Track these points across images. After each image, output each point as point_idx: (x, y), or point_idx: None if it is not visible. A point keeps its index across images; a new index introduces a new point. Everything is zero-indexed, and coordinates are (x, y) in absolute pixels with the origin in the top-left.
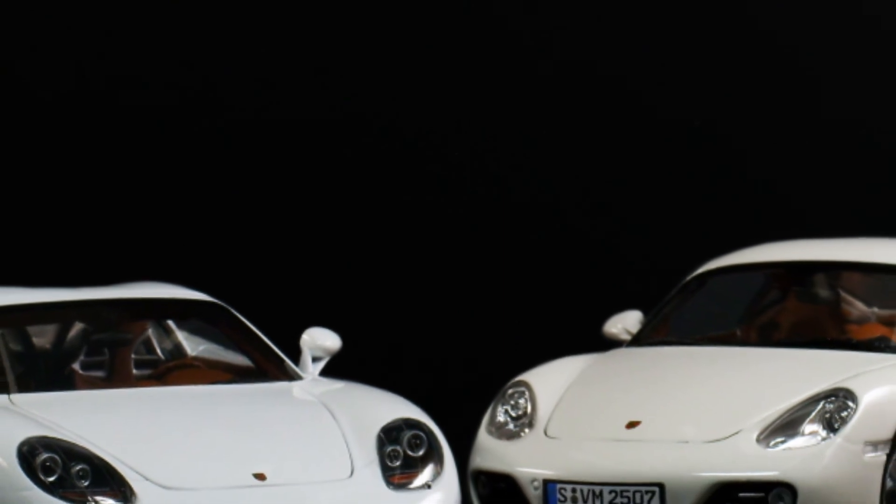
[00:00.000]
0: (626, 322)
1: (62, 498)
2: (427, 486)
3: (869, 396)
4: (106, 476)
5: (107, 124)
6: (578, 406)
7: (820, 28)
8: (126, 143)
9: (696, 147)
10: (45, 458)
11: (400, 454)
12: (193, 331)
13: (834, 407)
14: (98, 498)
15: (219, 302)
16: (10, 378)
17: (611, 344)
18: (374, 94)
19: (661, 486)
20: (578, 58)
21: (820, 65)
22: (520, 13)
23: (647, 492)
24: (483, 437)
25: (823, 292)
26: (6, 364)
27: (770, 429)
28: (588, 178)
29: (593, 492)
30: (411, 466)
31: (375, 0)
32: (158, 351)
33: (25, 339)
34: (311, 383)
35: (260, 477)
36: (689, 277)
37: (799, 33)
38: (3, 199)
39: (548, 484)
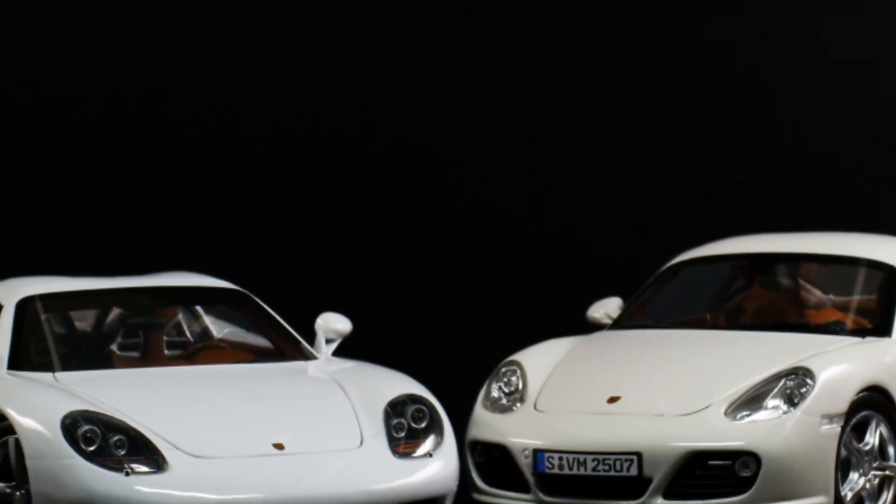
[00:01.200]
0: (607, 308)
1: (101, 465)
2: (429, 454)
3: (825, 374)
4: (141, 446)
5: (142, 133)
6: (564, 383)
7: (776, 49)
8: (162, 151)
9: (669, 154)
10: (85, 430)
11: (404, 426)
12: (219, 315)
13: (794, 384)
14: (133, 465)
15: (242, 289)
16: (55, 358)
17: (594, 327)
18: (385, 99)
19: (638, 454)
20: (566, 74)
21: (775, 83)
22: (514, 31)
23: (626, 460)
24: (479, 410)
25: (784, 281)
26: (51, 345)
27: (736, 403)
28: (576, 183)
29: (578, 460)
30: (415, 437)
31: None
32: (188, 333)
33: (68, 323)
34: (324, 363)
35: (279, 447)
36: (663, 268)
37: (758, 55)
38: (49, 198)
39: (537, 452)
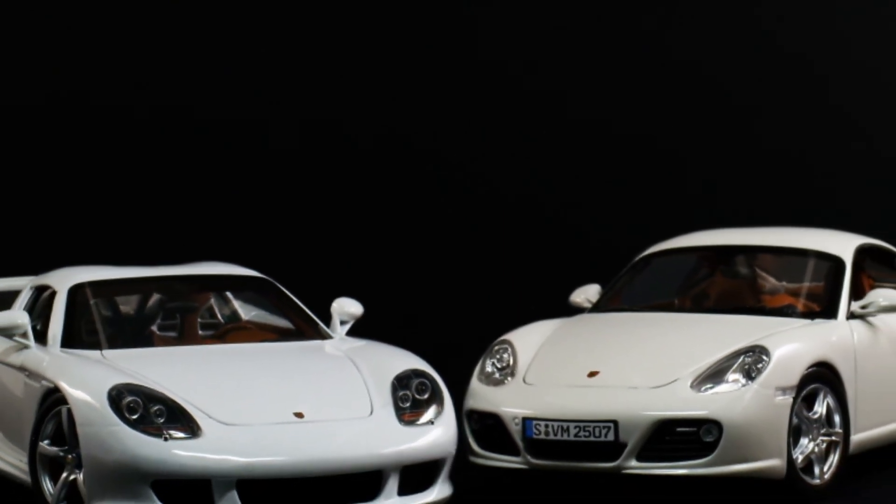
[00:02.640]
0: (587, 293)
1: (143, 432)
2: (431, 422)
3: (779, 352)
4: (177, 414)
5: (180, 142)
6: (550, 359)
7: (741, 59)
8: (197, 158)
9: (643, 157)
10: (129, 401)
11: (409, 397)
12: (246, 300)
13: (751, 360)
14: (171, 431)
15: (266, 277)
16: (102, 337)
17: (575, 311)
18: (391, 104)
19: (615, 422)
20: (555, 87)
21: (739, 92)
22: (505, 43)
23: (604, 427)
24: (475, 383)
25: (743, 270)
26: (99, 326)
27: (701, 377)
28: (563, 185)
29: (562, 427)
30: (418, 407)
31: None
32: (219, 316)
33: (114, 307)
34: (339, 341)
35: (299, 415)
36: (637, 258)
37: (725, 65)
38: (97, 198)
39: (526, 420)
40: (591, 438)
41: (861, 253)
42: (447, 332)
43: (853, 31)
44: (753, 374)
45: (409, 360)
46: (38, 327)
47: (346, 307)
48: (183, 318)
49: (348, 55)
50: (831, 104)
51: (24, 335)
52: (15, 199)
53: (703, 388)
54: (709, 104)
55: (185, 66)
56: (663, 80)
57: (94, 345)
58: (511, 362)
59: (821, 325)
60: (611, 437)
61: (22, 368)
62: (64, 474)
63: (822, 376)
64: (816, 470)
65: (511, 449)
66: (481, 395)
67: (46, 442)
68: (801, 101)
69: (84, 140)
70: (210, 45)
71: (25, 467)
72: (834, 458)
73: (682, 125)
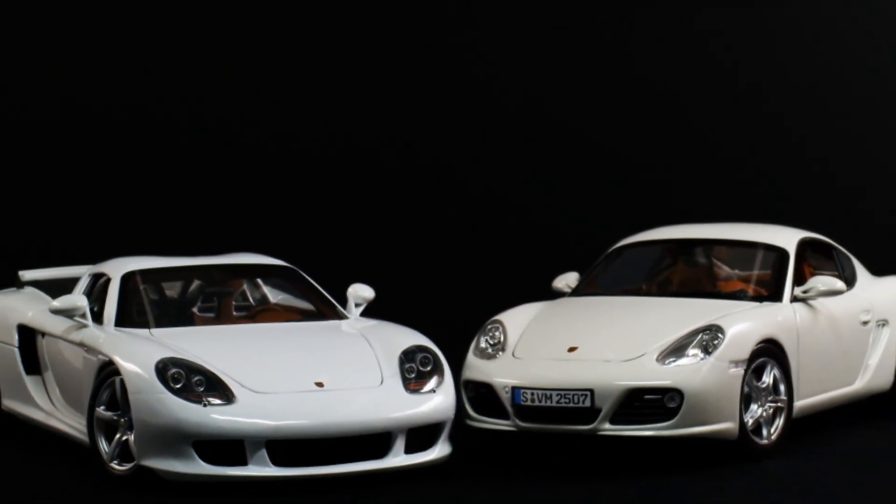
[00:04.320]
0: (567, 280)
1: (185, 399)
2: (433, 391)
3: (732, 330)
4: (215, 384)
5: (218, 148)
6: (535, 336)
7: (696, 80)
8: (233, 162)
9: (615, 164)
10: (173, 372)
11: (414, 369)
12: (274, 286)
13: (709, 337)
14: (209, 399)
15: (292, 266)
16: (150, 318)
17: (557, 295)
18: (397, 111)
19: (591, 390)
20: (536, 95)
21: (693, 105)
22: (495, 56)
23: (581, 394)
24: (470, 358)
25: (701, 260)
26: (147, 308)
27: (665, 352)
28: (550, 188)
29: (545, 394)
30: (422, 378)
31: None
32: (250, 299)
33: (160, 291)
34: (353, 321)
35: (319, 384)
36: (610, 250)
37: (682, 85)
38: (145, 198)
39: (515, 389)
40: (571, 405)
41: (803, 245)
42: (447, 312)
43: (787, 51)
44: (710, 350)
45: (414, 338)
46: (95, 309)
47: (360, 292)
48: (219, 301)
49: (353, 66)
50: (771, 112)
51: (83, 316)
52: (76, 200)
53: (667, 362)
54: (669, 119)
55: (219, 76)
56: (629, 96)
57: (143, 324)
58: (502, 339)
59: (768, 307)
60: (588, 403)
61: (81, 344)
62: (117, 435)
63: (770, 351)
64: (764, 432)
65: (502, 414)
66: (476, 368)
67: (102, 408)
68: (740, 111)
69: (137, 148)
70: (244, 52)
71: (84, 429)
72: (779, 422)
73: (645, 136)
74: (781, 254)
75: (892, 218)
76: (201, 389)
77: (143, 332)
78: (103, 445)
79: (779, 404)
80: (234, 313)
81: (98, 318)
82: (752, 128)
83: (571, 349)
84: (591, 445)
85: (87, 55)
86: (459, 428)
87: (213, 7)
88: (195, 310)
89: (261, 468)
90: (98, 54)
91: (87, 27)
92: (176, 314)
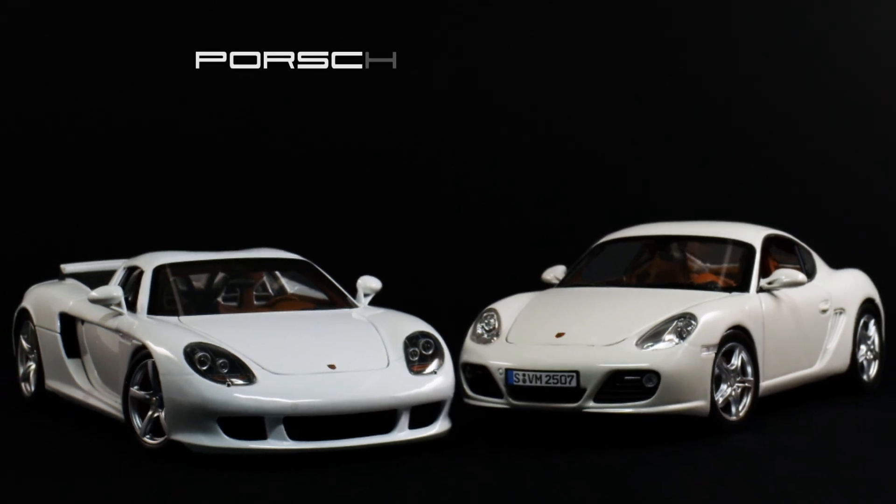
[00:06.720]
0: (555, 272)
1: (211, 380)
2: (434, 372)
3: (705, 317)
4: (238, 366)
5: (239, 152)
6: (527, 323)
7: (670, 90)
8: (255, 167)
9: (598, 167)
10: (200, 355)
11: (417, 353)
12: (291, 278)
13: (683, 324)
14: (233, 379)
15: (307, 260)
16: (179, 306)
17: (546, 286)
18: (400, 117)
19: (577, 372)
20: (533, 112)
21: (664, 111)
22: (488, 64)
23: (568, 376)
24: (468, 342)
25: (676, 254)
26: (176, 298)
27: (644, 337)
28: (537, 187)
29: (536, 375)
30: (424, 361)
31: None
32: (269, 290)
33: (189, 283)
34: (362, 310)
35: (332, 367)
36: (594, 245)
37: (661, 96)
38: (174, 199)
39: (508, 371)
40: (559, 385)
41: (768, 241)
42: (448, 301)
43: (754, 64)
44: (684, 335)
45: (417, 324)
46: (130, 299)
47: (368, 283)
48: (241, 291)
49: (362, 73)
50: (737, 126)
51: (119, 305)
52: (113, 202)
53: (645, 346)
54: (649, 128)
55: (251, 86)
56: (615, 108)
57: (173, 312)
58: (496, 326)
59: (737, 297)
60: (574, 383)
61: (117, 330)
62: (149, 412)
63: (738, 336)
64: (733, 409)
65: (496, 393)
66: (473, 351)
67: (136, 387)
68: (712, 121)
69: (168, 156)
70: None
71: (120, 407)
72: (747, 400)
73: (627, 143)
74: (748, 249)
75: (848, 217)
76: (225, 371)
77: (173, 319)
78: (137, 421)
79: (746, 384)
80: (255, 302)
81: (132, 306)
82: (722, 136)
83: (559, 335)
84: (576, 422)
85: (123, 68)
86: (458, 406)
87: (234, 12)
88: (220, 299)
89: (279, 442)
90: (134, 67)
91: (114, 35)
92: (202, 303)
